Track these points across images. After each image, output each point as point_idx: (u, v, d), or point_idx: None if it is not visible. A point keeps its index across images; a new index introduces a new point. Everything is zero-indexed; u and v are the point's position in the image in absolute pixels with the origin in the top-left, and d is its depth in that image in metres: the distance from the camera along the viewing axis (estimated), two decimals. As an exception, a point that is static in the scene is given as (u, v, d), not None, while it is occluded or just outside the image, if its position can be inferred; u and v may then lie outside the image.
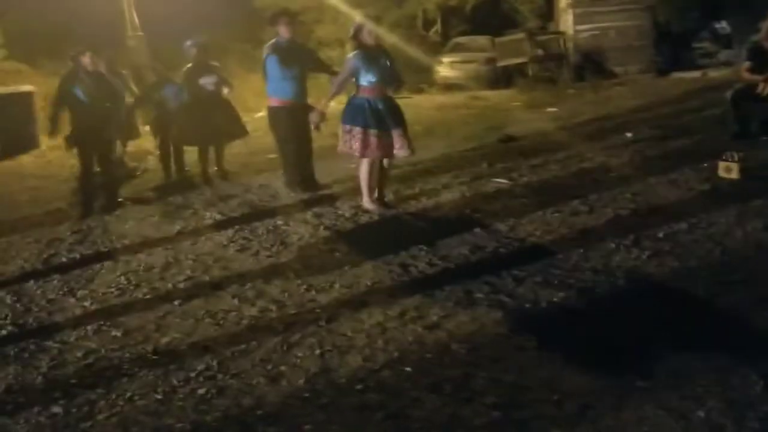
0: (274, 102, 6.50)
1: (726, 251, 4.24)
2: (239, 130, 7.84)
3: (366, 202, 5.85)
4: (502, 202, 5.91)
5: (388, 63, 5.84)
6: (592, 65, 17.20)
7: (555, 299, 3.70)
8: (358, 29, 5.77)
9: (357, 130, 5.68)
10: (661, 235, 4.62)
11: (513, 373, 2.96)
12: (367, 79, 5.67)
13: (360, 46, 5.73)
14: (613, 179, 6.33)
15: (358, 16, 7.08)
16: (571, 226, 5.03)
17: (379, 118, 5.68)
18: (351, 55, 5.77)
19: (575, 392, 2.75)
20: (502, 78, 17.36)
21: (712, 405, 2.54)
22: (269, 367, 3.18)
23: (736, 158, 6.03)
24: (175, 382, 3.11)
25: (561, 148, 8.18)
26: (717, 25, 20.20)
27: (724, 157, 6.09)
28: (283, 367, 3.17)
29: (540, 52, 17.74)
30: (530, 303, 3.69)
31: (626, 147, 7.91)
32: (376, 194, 5.91)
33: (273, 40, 6.47)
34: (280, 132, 6.53)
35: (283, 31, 6.43)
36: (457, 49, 19.15)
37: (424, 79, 19.09)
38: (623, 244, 4.51)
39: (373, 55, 5.72)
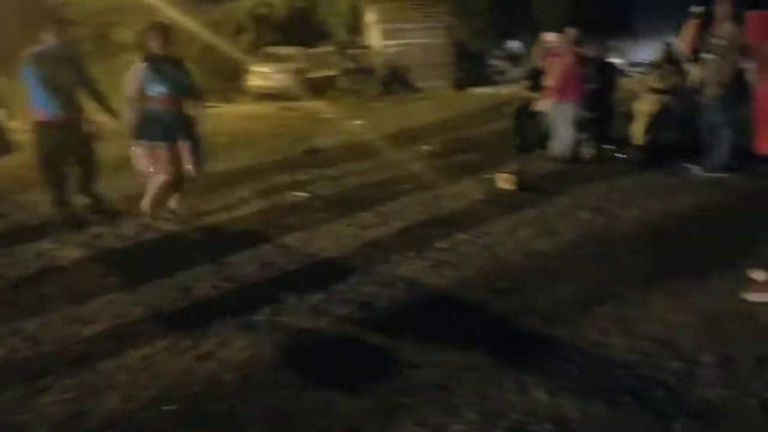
0: (38, 116, 5.60)
1: (499, 260, 4.49)
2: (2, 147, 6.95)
3: (148, 215, 5.57)
4: (298, 216, 5.82)
5: (181, 74, 5.52)
6: (398, 79, 17.87)
7: (335, 316, 3.66)
8: (148, 36, 5.37)
9: (145, 145, 5.36)
10: (443, 245, 4.79)
11: (285, 399, 2.85)
12: (156, 90, 5.31)
13: (149, 54, 5.35)
14: (406, 191, 6.51)
15: (152, 22, 6.56)
16: (362, 239, 5.06)
17: (168, 132, 5.36)
18: (139, 64, 5.37)
19: (345, 415, 2.70)
20: (312, 89, 17.42)
21: (469, 417, 2.62)
22: (8, 417, 2.78)
23: (513, 170, 6.49)
24: None
25: (362, 160, 8.31)
26: (509, 45, 21.98)
27: (503, 170, 6.52)
28: (25, 416, 2.78)
29: (350, 65, 18.08)
30: (311, 322, 3.61)
31: (422, 159, 8.22)
32: (167, 209, 5.61)
33: (37, 47, 5.68)
34: (41, 149, 5.67)
35: (50, 37, 5.69)
36: (269, 58, 18.92)
37: (235, 88, 18.65)
38: (408, 255, 4.61)
39: (164, 64, 5.37)
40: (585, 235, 4.90)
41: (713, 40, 6.38)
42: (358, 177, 7.37)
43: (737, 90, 6.36)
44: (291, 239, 5.14)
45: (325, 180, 7.25)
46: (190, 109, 5.62)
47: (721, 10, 6.31)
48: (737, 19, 6.01)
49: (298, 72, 17.93)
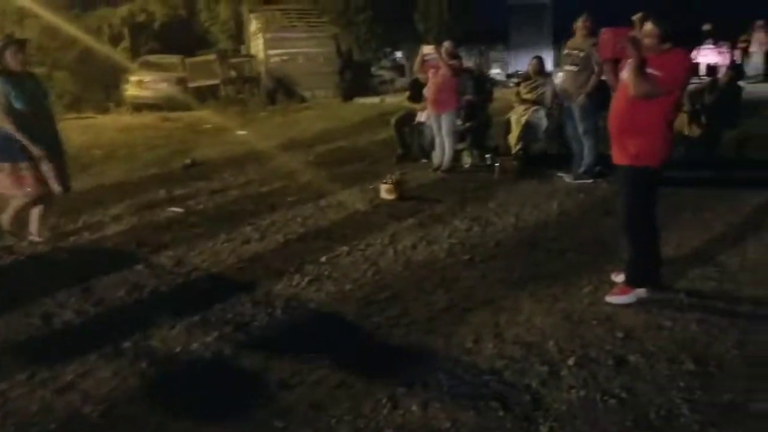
0: None
1: (379, 270, 4.50)
2: None
3: (8, 235, 5.27)
4: (173, 232, 5.59)
5: (39, 89, 5.23)
6: (282, 89, 17.70)
7: (209, 339, 3.52)
8: (3, 52, 4.99)
9: (6, 166, 5.08)
10: (323, 259, 4.75)
11: None
12: (17, 106, 4.96)
13: (5, 70, 4.98)
14: (288, 203, 6.43)
15: (7, 37, 6.11)
16: (241, 256, 4.93)
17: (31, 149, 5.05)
18: None
19: (215, 443, 2.59)
20: (193, 99, 16.92)
21: (342, 436, 2.59)
22: None
23: (395, 180, 6.56)
24: None
25: (244, 172, 8.14)
26: (394, 55, 22.37)
27: (385, 180, 6.58)
28: None
29: (232, 74, 17.72)
30: (183, 347, 3.45)
31: (307, 170, 8.15)
32: (30, 230, 5.30)
33: None
34: None
35: None
36: (147, 67, 18.19)
37: (112, 98, 17.81)
38: (288, 270, 4.53)
39: (20, 80, 5.03)
40: (462, 243, 5.01)
41: (573, 52, 6.76)
42: (239, 190, 7.20)
43: (598, 99, 6.77)
44: (164, 258, 4.93)
45: (204, 194, 7.03)
46: (52, 124, 5.32)
47: (582, 24, 6.71)
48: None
49: (179, 81, 17.39)
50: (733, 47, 15.13)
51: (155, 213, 6.30)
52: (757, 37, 15.09)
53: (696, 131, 7.38)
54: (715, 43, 14.62)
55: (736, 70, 8.55)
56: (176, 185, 7.47)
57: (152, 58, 19.03)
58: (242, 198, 6.82)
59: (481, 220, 5.59)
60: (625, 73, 3.56)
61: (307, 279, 4.36)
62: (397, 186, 6.46)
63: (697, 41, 14.45)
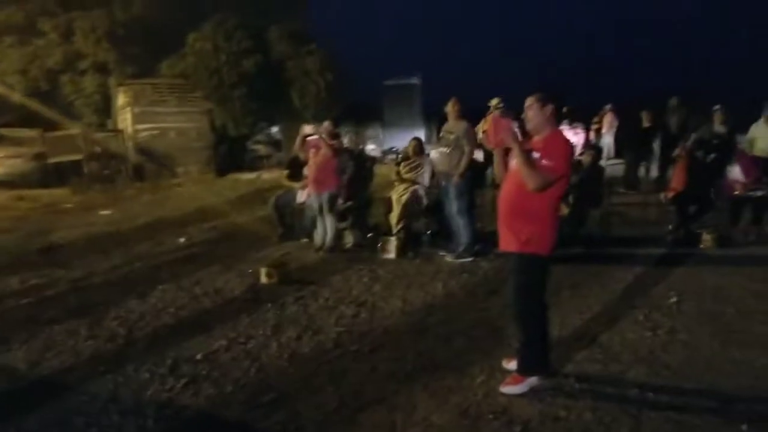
0: None
1: (262, 367, 4.17)
2: None
3: None
4: (23, 330, 4.95)
5: None
6: (152, 165, 16.98)
7: (65, 464, 3.04)
8: None
9: None
10: (199, 356, 4.35)
11: None
12: None
13: None
14: (159, 292, 5.95)
15: None
16: (102, 355, 4.42)
17: None
18: None
19: None
20: (53, 176, 15.79)
21: None
22: None
23: (276, 263, 6.28)
24: None
25: (109, 257, 7.53)
26: (270, 130, 22.27)
27: (265, 263, 6.29)
28: None
29: (97, 149, 16.79)
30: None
31: (178, 252, 7.68)
32: None
33: None
34: None
35: None
36: (2, 141, 16.85)
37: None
38: (159, 372, 4.10)
39: None
40: (350, 331, 4.80)
41: (447, 135, 6.96)
42: (103, 277, 6.61)
43: (471, 179, 6.97)
44: (17, 360, 4.33)
45: (64, 282, 6.39)
46: None
47: (451, 108, 6.98)
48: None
49: (37, 156, 16.22)
50: (586, 128, 16.37)
51: (5, 305, 5.61)
52: (607, 119, 16.43)
53: (565, 210, 7.73)
54: (570, 124, 15.75)
55: (597, 150, 9.13)
56: (31, 273, 6.75)
57: (7, 131, 17.68)
58: (107, 286, 6.25)
59: (368, 305, 5.42)
60: (514, 162, 3.60)
61: (182, 381, 3.95)
62: (278, 269, 6.19)
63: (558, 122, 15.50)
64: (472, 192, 7.21)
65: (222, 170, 17.71)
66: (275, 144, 21.26)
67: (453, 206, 6.99)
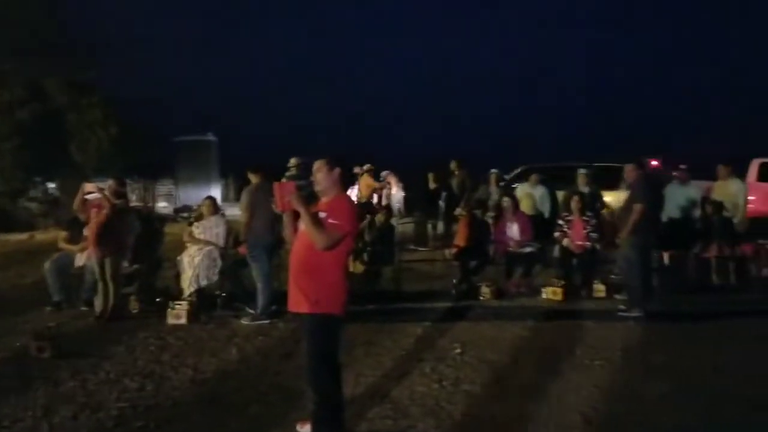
0: None
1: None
2: None
3: None
4: None
5: None
6: None
7: None
8: None
9: None
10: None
11: None
12: None
13: None
14: None
15: None
16: None
17: None
18: None
19: None
20: None
21: None
22: None
23: (49, 333, 5.69)
24: None
25: None
26: (46, 186, 20.38)
27: (37, 333, 5.67)
28: None
29: None
30: None
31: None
32: None
33: None
34: None
35: None
36: None
37: None
38: None
39: None
40: (134, 406, 4.43)
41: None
42: None
43: (269, 241, 6.93)
44: None
45: None
46: None
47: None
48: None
49: None
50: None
51: None
52: (393, 180, 17.28)
53: (360, 268, 7.99)
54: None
55: (388, 210, 9.58)
56: None
57: None
58: None
59: (155, 376, 5.08)
60: (302, 224, 3.66)
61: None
62: (52, 341, 5.59)
63: (351, 183, 16.05)
64: (271, 254, 7.13)
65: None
66: (53, 202, 19.46)
67: (252, 268, 6.92)
